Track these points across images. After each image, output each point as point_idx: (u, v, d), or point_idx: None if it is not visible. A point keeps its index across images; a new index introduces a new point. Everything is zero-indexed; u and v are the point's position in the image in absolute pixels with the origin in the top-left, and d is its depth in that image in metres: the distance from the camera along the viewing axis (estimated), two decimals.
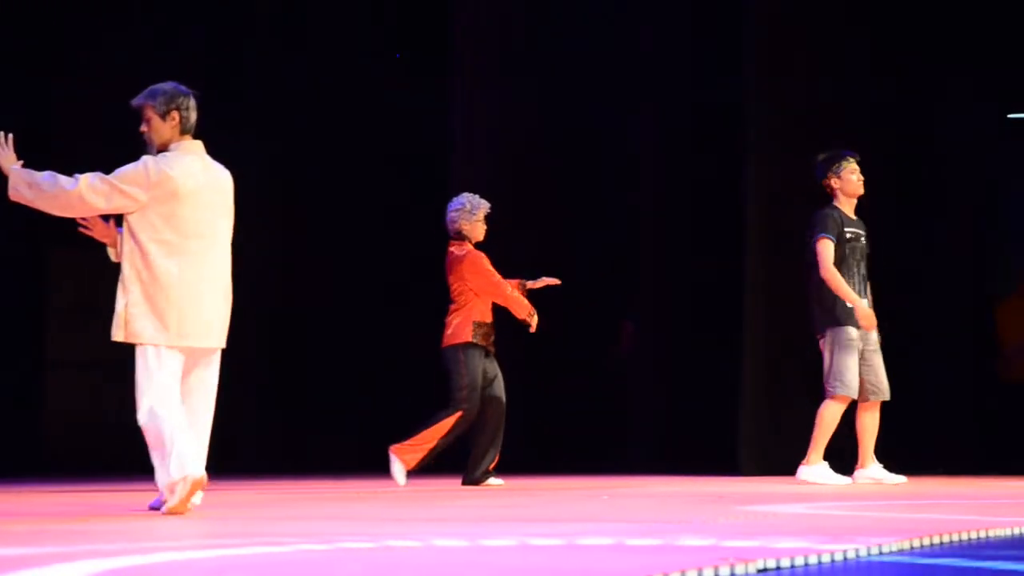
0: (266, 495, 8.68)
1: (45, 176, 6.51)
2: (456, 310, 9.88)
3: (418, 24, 14.61)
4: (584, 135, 13.91)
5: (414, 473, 9.92)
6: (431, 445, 9.74)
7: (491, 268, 9.84)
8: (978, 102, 13.07)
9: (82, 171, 6.61)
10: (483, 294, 9.82)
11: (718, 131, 13.04)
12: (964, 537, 4.79)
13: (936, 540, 4.62)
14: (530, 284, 10.13)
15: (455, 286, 9.87)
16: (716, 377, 12.72)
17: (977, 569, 3.91)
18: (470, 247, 9.86)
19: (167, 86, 6.75)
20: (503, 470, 10.42)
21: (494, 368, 9.98)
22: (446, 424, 9.72)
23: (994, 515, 5.89)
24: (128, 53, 13.07)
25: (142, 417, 6.44)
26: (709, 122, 13.27)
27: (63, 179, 6.49)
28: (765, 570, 3.72)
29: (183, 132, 6.70)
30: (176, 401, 6.49)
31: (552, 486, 9.76)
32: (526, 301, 9.96)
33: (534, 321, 9.95)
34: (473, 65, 13.94)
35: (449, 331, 9.87)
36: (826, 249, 9.71)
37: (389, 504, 7.51)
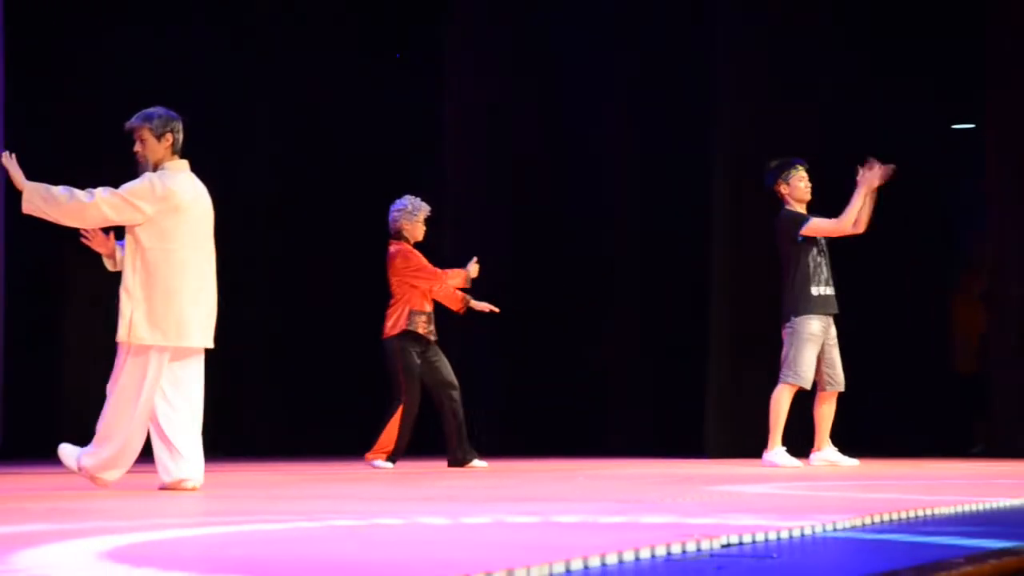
0: (268, 476, 8.67)
1: (61, 190, 6.71)
2: (394, 303, 9.93)
3: (415, 24, 14.52)
4: (564, 133, 13.89)
5: (405, 455, 9.98)
6: (394, 443, 9.80)
7: (422, 260, 9.86)
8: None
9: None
10: (417, 283, 9.85)
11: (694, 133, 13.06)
12: (911, 515, 4.80)
13: (886, 517, 4.64)
14: (473, 304, 10.15)
15: (393, 281, 9.94)
16: (685, 369, 12.74)
17: (923, 544, 3.92)
18: (403, 244, 9.90)
19: (160, 110, 7.00)
20: (490, 454, 10.44)
21: (436, 354, 9.99)
22: (395, 421, 9.81)
23: (939, 495, 5.91)
24: (127, 51, 13.01)
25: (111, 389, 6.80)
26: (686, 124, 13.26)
27: (80, 193, 6.69)
28: (728, 546, 3.73)
29: (174, 152, 6.96)
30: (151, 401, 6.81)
31: (532, 468, 9.77)
32: (460, 294, 10.01)
33: (465, 306, 10.08)
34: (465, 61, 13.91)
35: (388, 324, 9.93)
36: (818, 224, 9.76)
37: (379, 485, 7.53)
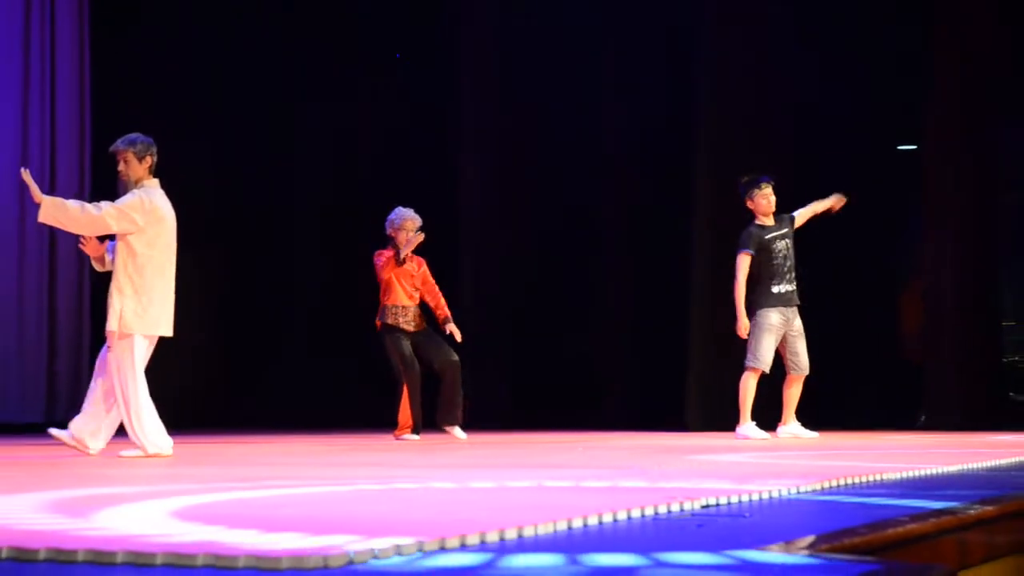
0: (311, 446, 8.68)
1: (74, 203, 7.08)
2: (381, 301, 9.96)
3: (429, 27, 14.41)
4: (567, 133, 13.85)
5: (427, 429, 10.02)
6: (411, 418, 9.81)
7: (381, 260, 9.86)
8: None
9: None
10: (381, 280, 9.90)
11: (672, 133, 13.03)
12: (864, 479, 4.81)
13: (842, 482, 4.64)
14: (443, 324, 10.08)
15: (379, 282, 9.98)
16: (669, 354, 12.73)
17: (874, 504, 3.92)
18: (383, 251, 9.94)
19: (141, 136, 7.26)
20: (496, 427, 10.41)
21: (429, 336, 10.00)
22: (404, 400, 9.84)
23: (887, 462, 5.91)
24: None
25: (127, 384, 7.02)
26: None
27: (88, 206, 7.02)
28: (707, 507, 3.74)
29: (150, 172, 7.21)
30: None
31: (534, 440, 9.76)
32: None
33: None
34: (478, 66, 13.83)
35: (377, 320, 9.97)
36: (741, 264, 9.79)
37: (402, 454, 7.55)
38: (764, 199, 9.89)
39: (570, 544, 2.91)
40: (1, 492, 4.19)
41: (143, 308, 7.04)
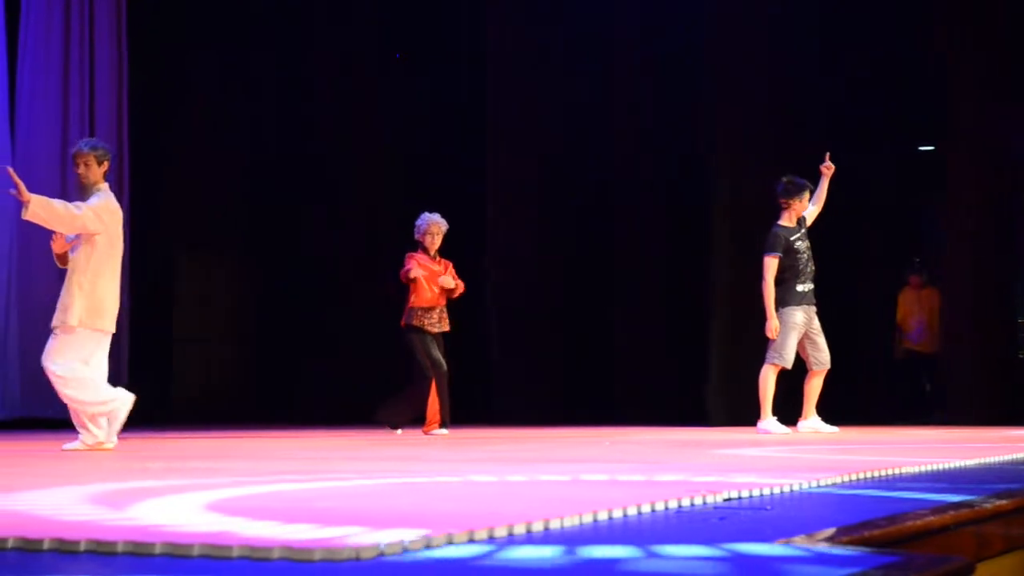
0: (342, 441, 8.70)
1: (58, 203, 7.19)
2: (409, 301, 10.00)
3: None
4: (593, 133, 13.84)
5: (454, 424, 10.02)
6: (439, 413, 9.83)
7: (410, 266, 9.87)
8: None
9: None
10: (410, 284, 9.93)
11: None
12: (883, 473, 4.79)
13: (861, 475, 4.62)
14: (442, 282, 10.06)
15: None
16: (692, 352, 12.71)
17: (893, 498, 3.90)
18: (412, 253, 9.98)
19: (100, 141, 7.48)
20: (528, 422, 10.39)
21: (439, 344, 10.03)
22: (433, 395, 9.86)
23: (906, 456, 5.89)
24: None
25: (59, 369, 7.07)
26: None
27: (70, 206, 7.17)
28: (729, 500, 3.73)
29: (104, 177, 7.36)
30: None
31: (562, 435, 9.75)
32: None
33: (450, 286, 9.98)
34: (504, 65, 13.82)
35: (403, 320, 10.04)
36: (769, 266, 9.76)
37: (437, 449, 7.54)
38: (803, 201, 9.89)
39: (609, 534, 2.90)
40: (44, 485, 4.21)
41: (100, 304, 7.16)
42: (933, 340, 12.96)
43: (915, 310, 13.18)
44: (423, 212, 10.12)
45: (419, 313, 9.95)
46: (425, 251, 9.98)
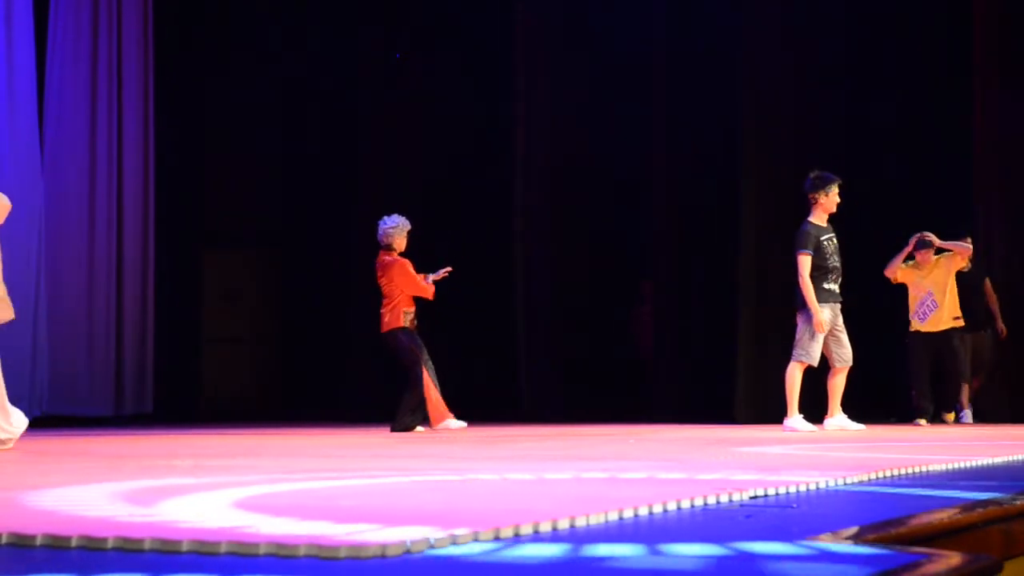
0: (366, 438, 8.71)
1: None
2: (388, 303, 10.10)
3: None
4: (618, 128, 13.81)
5: (477, 420, 10.03)
6: (439, 405, 9.91)
7: (413, 272, 10.02)
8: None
9: None
10: (408, 291, 10.00)
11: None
12: (910, 471, 4.77)
13: (888, 473, 4.61)
14: (433, 277, 10.14)
15: (386, 286, 10.11)
16: (719, 350, 12.68)
17: (918, 496, 3.89)
18: (396, 256, 10.04)
19: None
20: (557, 420, 10.34)
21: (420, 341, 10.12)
22: (428, 392, 9.87)
23: (932, 454, 5.86)
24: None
25: None
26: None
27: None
28: (755, 497, 3.72)
29: None
30: None
31: (591, 432, 9.74)
32: (431, 288, 10.04)
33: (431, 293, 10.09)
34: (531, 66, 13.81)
35: (386, 320, 10.11)
36: (804, 263, 9.71)
37: (466, 446, 7.52)
38: (836, 195, 9.83)
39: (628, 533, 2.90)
40: (74, 483, 4.23)
41: (4, 295, 7.18)
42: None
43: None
44: (391, 216, 10.12)
45: (406, 313, 10.02)
46: (399, 253, 10.06)
